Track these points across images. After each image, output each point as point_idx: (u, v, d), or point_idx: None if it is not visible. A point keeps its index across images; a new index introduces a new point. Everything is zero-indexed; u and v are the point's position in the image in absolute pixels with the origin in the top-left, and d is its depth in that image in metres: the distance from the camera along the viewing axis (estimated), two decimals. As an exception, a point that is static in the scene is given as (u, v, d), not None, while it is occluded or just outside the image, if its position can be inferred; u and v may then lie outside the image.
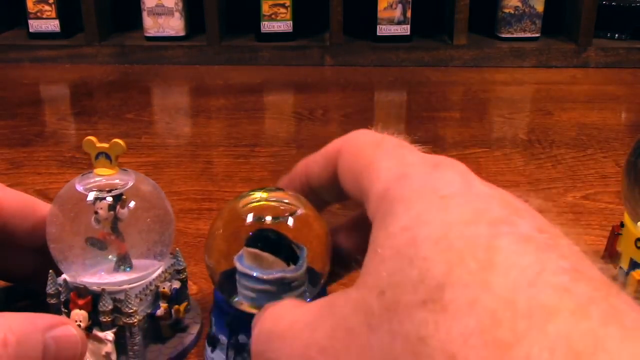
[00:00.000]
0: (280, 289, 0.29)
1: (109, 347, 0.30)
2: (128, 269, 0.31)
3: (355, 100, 0.82)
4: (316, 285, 0.30)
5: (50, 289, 0.31)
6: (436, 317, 0.18)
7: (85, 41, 0.98)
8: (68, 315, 0.31)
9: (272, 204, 0.30)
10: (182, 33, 0.99)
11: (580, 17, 0.95)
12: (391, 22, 0.97)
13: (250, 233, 0.29)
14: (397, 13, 0.97)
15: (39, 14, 0.98)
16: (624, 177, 0.35)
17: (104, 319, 0.30)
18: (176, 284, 0.33)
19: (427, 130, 0.69)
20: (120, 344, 0.31)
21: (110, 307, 0.30)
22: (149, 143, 0.66)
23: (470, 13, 0.96)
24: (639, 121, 0.77)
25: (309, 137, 0.69)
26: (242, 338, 0.30)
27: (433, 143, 0.64)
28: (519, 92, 0.88)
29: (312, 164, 0.30)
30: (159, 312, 0.32)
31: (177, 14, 0.98)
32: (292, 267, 0.29)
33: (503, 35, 0.99)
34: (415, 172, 0.23)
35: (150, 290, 0.32)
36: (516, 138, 0.68)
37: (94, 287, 0.31)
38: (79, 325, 0.30)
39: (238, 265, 0.29)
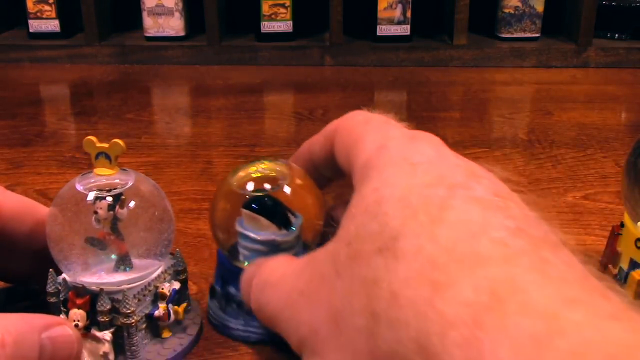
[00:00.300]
0: (271, 249, 0.32)
1: (107, 347, 0.30)
2: (128, 269, 0.31)
3: (355, 100, 0.82)
4: (307, 249, 0.33)
5: (50, 288, 0.31)
6: (388, 263, 0.21)
7: (85, 41, 0.98)
8: (67, 314, 0.31)
9: (270, 173, 0.33)
10: (182, 33, 0.99)
11: (580, 17, 0.95)
12: (391, 22, 0.97)
13: (248, 197, 0.32)
14: (397, 13, 0.97)
15: (39, 14, 0.98)
16: (624, 177, 0.35)
17: (101, 318, 0.30)
18: (176, 285, 0.33)
19: (427, 130, 0.69)
20: (118, 344, 0.31)
21: (108, 307, 0.30)
22: (148, 143, 0.66)
23: (470, 13, 0.96)
24: (639, 121, 0.77)
25: (309, 137, 0.69)
26: (231, 290, 0.34)
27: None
28: (519, 92, 0.88)
29: (314, 142, 0.34)
30: (157, 312, 0.32)
31: (177, 14, 0.98)
32: (284, 231, 0.32)
33: (503, 35, 0.99)
34: (393, 144, 0.26)
35: (149, 291, 0.32)
36: (516, 138, 0.68)
37: (93, 287, 0.31)
38: (77, 325, 0.30)
39: (237, 226, 0.32)
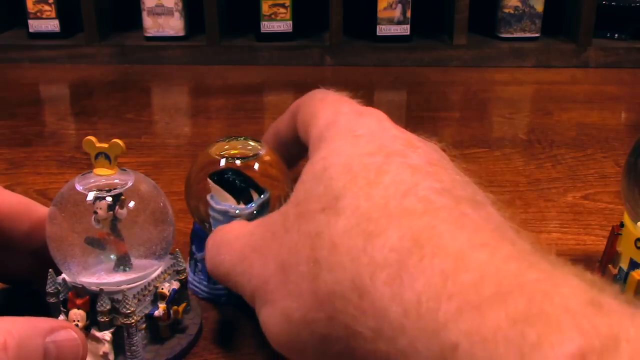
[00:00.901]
0: (226, 220, 0.35)
1: (107, 347, 0.30)
2: (127, 269, 0.31)
3: (354, 100, 0.82)
4: None
5: (49, 288, 0.31)
6: (329, 219, 0.24)
7: (85, 41, 0.98)
8: (66, 314, 0.31)
9: (242, 150, 0.37)
10: (181, 33, 0.99)
11: (580, 17, 0.95)
12: (391, 22, 0.97)
13: (215, 170, 0.36)
14: (397, 13, 0.97)
15: (38, 14, 0.98)
16: (623, 177, 0.35)
17: (101, 319, 0.30)
18: (175, 285, 0.33)
19: (426, 130, 0.68)
20: (118, 344, 0.31)
21: (108, 307, 0.30)
22: (148, 143, 0.66)
23: (470, 13, 0.96)
24: (639, 121, 0.77)
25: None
26: (193, 247, 0.38)
27: (433, 143, 0.64)
28: (519, 92, 0.88)
29: (280, 121, 0.37)
30: (157, 312, 0.32)
31: (176, 14, 0.98)
32: (242, 205, 0.35)
33: (503, 35, 0.99)
34: (342, 118, 0.30)
35: (149, 291, 0.32)
36: (516, 138, 0.68)
37: (92, 287, 0.31)
38: (77, 325, 0.30)
39: (208, 195, 0.36)
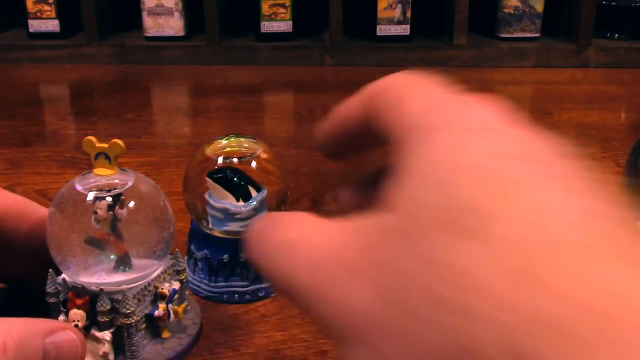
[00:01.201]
0: (226, 217, 0.35)
1: (107, 347, 0.30)
2: (127, 269, 0.31)
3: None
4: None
5: (49, 288, 0.31)
6: (465, 245, 0.17)
7: (85, 41, 0.98)
8: (66, 314, 0.31)
9: (239, 148, 0.37)
10: (181, 33, 0.99)
11: (580, 17, 0.95)
12: (391, 22, 0.97)
13: (214, 169, 0.36)
14: (397, 13, 0.97)
15: (38, 14, 0.98)
16: (623, 177, 0.35)
17: (101, 319, 0.30)
18: (176, 285, 0.33)
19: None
20: (118, 344, 0.31)
21: (108, 307, 0.30)
22: (148, 143, 0.66)
23: (470, 13, 0.95)
24: (639, 121, 0.77)
25: (309, 137, 0.69)
26: (192, 247, 0.38)
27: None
28: (519, 92, 0.88)
29: (346, 107, 0.27)
30: (157, 312, 0.32)
31: (176, 14, 0.98)
32: (241, 203, 0.35)
33: (503, 35, 0.99)
34: (447, 106, 0.22)
35: (149, 291, 0.32)
36: (516, 138, 0.68)
37: (92, 287, 0.31)
38: (77, 325, 0.30)
39: (206, 194, 0.36)
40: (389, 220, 0.20)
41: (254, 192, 0.36)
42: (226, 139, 0.38)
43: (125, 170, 0.32)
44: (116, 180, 0.31)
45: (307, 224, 0.23)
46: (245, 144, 0.38)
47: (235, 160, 0.36)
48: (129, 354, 0.31)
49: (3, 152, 0.63)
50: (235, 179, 0.36)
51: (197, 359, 0.33)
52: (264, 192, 0.36)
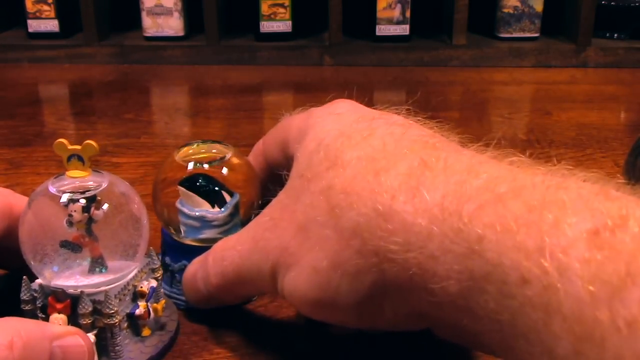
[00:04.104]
0: (203, 225, 0.35)
1: None
2: (104, 270, 0.31)
3: (355, 100, 0.81)
4: (244, 226, 0.35)
5: (24, 295, 0.31)
6: (337, 172, 0.27)
7: (84, 41, 0.97)
8: (46, 320, 0.30)
9: (209, 153, 0.37)
10: (181, 33, 0.99)
11: (580, 17, 0.95)
12: (390, 22, 0.97)
13: (184, 176, 0.35)
14: (396, 13, 0.97)
15: (37, 14, 0.98)
16: (623, 177, 0.35)
17: (83, 321, 0.30)
18: (153, 283, 0.33)
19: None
20: (101, 345, 0.31)
21: (90, 309, 0.30)
22: (148, 143, 0.66)
23: (469, 13, 0.96)
24: (638, 121, 0.77)
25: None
26: (167, 259, 0.37)
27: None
28: (518, 92, 0.89)
29: (260, 149, 0.38)
30: (138, 311, 0.32)
31: (176, 14, 0.98)
32: (217, 209, 0.35)
33: (502, 35, 0.99)
34: (316, 110, 0.33)
35: (128, 290, 0.32)
36: (515, 138, 0.68)
37: (71, 290, 0.30)
38: None
39: (178, 203, 0.35)
40: (289, 185, 0.30)
41: (227, 197, 0.35)
42: (193, 145, 0.37)
43: (99, 171, 0.31)
44: (90, 183, 0.31)
45: (228, 237, 0.33)
46: (213, 148, 0.37)
47: (205, 166, 0.35)
48: (112, 354, 0.31)
49: (2, 152, 0.63)
50: (209, 185, 0.35)
51: (197, 359, 0.33)
52: (237, 197, 0.35)
